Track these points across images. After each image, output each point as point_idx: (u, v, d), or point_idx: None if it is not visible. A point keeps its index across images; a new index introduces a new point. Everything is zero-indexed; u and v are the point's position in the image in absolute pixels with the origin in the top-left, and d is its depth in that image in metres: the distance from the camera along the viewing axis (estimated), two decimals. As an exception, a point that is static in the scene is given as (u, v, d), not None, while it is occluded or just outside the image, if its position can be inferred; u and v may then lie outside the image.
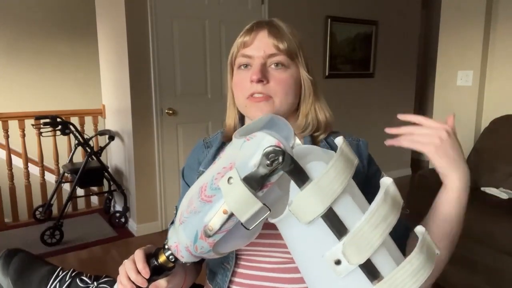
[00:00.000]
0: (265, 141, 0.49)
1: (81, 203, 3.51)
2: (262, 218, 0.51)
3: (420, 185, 2.53)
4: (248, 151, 0.50)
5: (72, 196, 2.98)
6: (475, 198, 2.36)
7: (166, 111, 2.93)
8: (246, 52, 0.78)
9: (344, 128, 0.87)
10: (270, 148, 0.48)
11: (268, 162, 0.48)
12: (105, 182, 3.21)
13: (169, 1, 2.84)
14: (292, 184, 0.49)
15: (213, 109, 3.11)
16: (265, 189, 0.50)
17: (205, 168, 0.83)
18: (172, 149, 3.02)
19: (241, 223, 0.51)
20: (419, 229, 0.51)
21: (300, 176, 0.48)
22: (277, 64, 0.76)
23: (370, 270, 0.46)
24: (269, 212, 0.51)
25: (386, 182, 0.50)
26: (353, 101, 4.01)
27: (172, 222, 0.91)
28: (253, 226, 0.51)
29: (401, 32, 4.27)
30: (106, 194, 3.41)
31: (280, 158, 0.47)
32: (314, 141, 0.82)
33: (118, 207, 3.33)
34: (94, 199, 3.68)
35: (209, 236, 0.53)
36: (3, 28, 3.99)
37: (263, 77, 0.75)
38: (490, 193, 2.42)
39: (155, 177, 2.99)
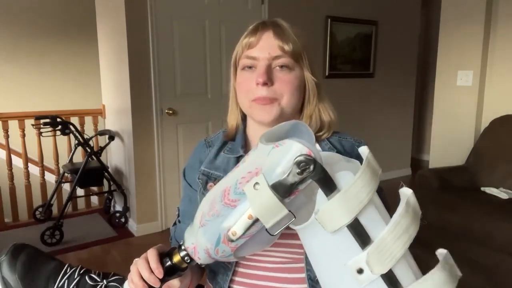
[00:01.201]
0: (296, 149, 0.49)
1: (81, 203, 3.51)
2: (286, 224, 0.51)
3: (420, 185, 2.53)
4: (277, 158, 0.50)
5: (72, 196, 2.98)
6: (475, 198, 2.36)
7: (166, 111, 2.93)
8: (250, 53, 0.77)
9: (344, 129, 0.86)
10: (302, 157, 0.48)
11: (299, 170, 0.48)
12: (105, 182, 3.21)
13: (169, 1, 2.84)
14: (320, 193, 0.50)
15: (213, 109, 3.11)
16: (292, 196, 0.51)
17: (207, 167, 0.83)
18: (172, 149, 3.02)
19: (266, 229, 0.52)
20: (440, 251, 0.52)
21: (329, 185, 0.49)
22: (281, 66, 0.76)
23: (391, 280, 0.47)
24: (294, 219, 0.51)
25: (406, 193, 0.51)
26: (353, 101, 4.01)
27: (174, 224, 0.91)
28: (277, 232, 0.52)
29: (401, 32, 4.27)
30: (106, 194, 3.41)
31: (311, 167, 0.48)
32: (316, 140, 0.82)
33: (118, 207, 3.33)
34: (94, 199, 3.68)
35: (232, 241, 0.53)
36: (3, 28, 3.99)
37: (268, 80, 0.74)
38: (490, 193, 2.42)
39: (155, 177, 2.99)
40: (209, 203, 0.56)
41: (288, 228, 0.56)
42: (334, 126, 0.84)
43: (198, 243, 0.57)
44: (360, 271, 0.47)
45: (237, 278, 0.79)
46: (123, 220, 3.14)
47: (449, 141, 3.02)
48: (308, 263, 0.75)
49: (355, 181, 0.47)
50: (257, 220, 0.51)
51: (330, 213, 0.48)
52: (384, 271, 0.47)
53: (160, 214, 3.05)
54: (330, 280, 0.54)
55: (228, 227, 0.53)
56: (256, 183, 0.50)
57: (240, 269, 0.79)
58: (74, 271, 0.71)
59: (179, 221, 0.89)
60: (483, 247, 2.05)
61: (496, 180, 2.48)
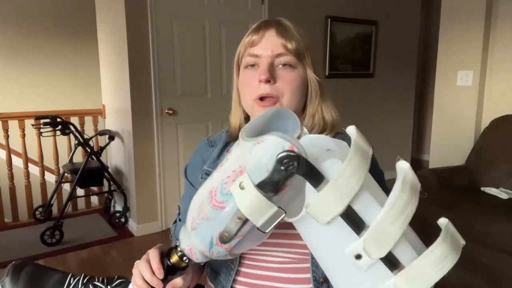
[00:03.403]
0: (278, 145, 0.47)
1: (81, 203, 3.51)
2: (277, 220, 0.50)
3: (420, 185, 2.53)
4: (259, 156, 0.49)
5: (72, 196, 2.98)
6: (475, 198, 2.36)
7: (166, 111, 2.93)
8: (253, 51, 0.77)
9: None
10: (284, 154, 0.46)
11: (283, 168, 0.46)
12: (105, 182, 3.21)
13: (169, 1, 2.84)
14: (308, 185, 0.48)
15: (213, 109, 3.11)
16: (280, 192, 0.50)
17: (210, 167, 0.83)
18: (172, 149, 3.02)
19: (257, 227, 0.51)
20: (441, 221, 0.49)
21: (316, 178, 0.47)
22: (284, 64, 0.76)
23: (390, 261, 0.46)
24: (284, 214, 0.50)
25: (403, 167, 0.48)
26: (353, 101, 4.01)
27: (175, 222, 0.91)
28: (269, 229, 0.51)
29: (401, 32, 4.27)
30: (106, 194, 3.41)
31: (295, 163, 0.46)
32: None
33: (118, 207, 3.33)
34: (94, 199, 3.68)
35: (225, 242, 0.53)
36: (3, 28, 3.98)
37: (271, 77, 0.74)
38: (490, 193, 2.42)
39: (155, 177, 2.99)
40: (198, 205, 0.56)
41: (291, 228, 0.55)
42: (336, 126, 0.83)
43: (193, 245, 0.57)
44: (358, 257, 0.46)
45: (240, 278, 0.79)
46: (123, 220, 3.14)
47: (449, 141, 3.02)
48: (313, 263, 0.75)
49: (343, 170, 0.45)
50: (247, 220, 0.50)
51: (321, 206, 0.46)
52: (383, 255, 0.45)
53: (160, 214, 3.05)
54: (331, 267, 0.54)
55: (219, 230, 0.52)
56: (242, 182, 0.49)
57: (243, 269, 0.79)
58: (78, 280, 0.70)
59: (180, 220, 0.89)
60: (483, 247, 2.05)
61: (496, 180, 2.48)
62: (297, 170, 0.46)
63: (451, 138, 3.01)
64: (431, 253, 0.45)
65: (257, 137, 0.51)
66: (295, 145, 0.47)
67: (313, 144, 0.51)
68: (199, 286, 0.87)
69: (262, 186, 0.48)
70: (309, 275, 0.75)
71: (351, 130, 0.50)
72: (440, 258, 0.45)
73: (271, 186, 0.48)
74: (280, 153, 0.47)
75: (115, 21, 2.94)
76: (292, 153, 0.46)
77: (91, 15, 3.49)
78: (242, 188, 0.49)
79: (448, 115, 3.03)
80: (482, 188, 2.49)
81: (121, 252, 2.74)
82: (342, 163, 0.46)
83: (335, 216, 0.46)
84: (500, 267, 2.00)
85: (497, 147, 2.56)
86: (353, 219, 0.46)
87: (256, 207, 0.49)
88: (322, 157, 0.51)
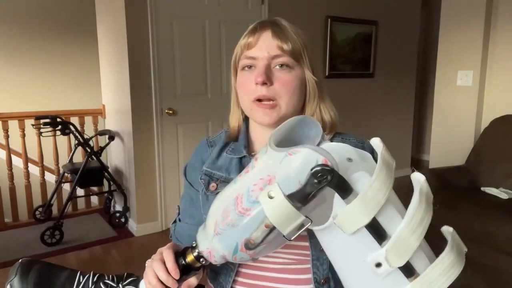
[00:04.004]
0: (312, 159, 0.48)
1: (81, 203, 3.51)
2: (303, 229, 0.51)
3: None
4: (291, 168, 0.50)
5: (72, 196, 2.98)
6: (475, 198, 2.36)
7: (166, 111, 2.93)
8: (249, 53, 0.77)
9: (343, 129, 0.86)
10: (319, 168, 0.47)
11: (316, 181, 0.48)
12: (105, 182, 3.21)
13: (169, 1, 2.84)
14: (336, 196, 0.50)
15: (213, 109, 3.11)
16: (308, 203, 0.50)
17: (209, 167, 0.83)
18: (172, 149, 3.02)
19: (283, 235, 0.52)
20: (445, 229, 0.52)
21: (345, 190, 0.49)
22: (281, 65, 0.75)
23: (407, 269, 0.48)
24: (310, 223, 0.51)
25: (419, 179, 0.50)
26: (353, 101, 4.01)
27: (174, 222, 0.91)
28: (294, 237, 0.52)
29: (401, 32, 4.27)
30: (106, 194, 3.41)
31: (329, 177, 0.47)
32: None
33: (118, 207, 3.33)
34: (94, 199, 3.68)
35: (250, 249, 0.54)
36: (3, 28, 3.98)
37: (267, 79, 0.74)
38: (490, 193, 2.42)
39: (155, 177, 2.99)
40: (222, 210, 0.56)
41: None
42: (335, 126, 0.83)
43: (214, 248, 0.58)
44: (378, 265, 0.48)
45: (240, 279, 0.79)
46: (123, 220, 3.13)
47: (449, 141, 3.02)
48: (314, 265, 0.75)
49: (372, 184, 0.47)
50: (274, 228, 0.51)
51: (348, 217, 0.48)
52: (402, 263, 0.47)
53: (160, 214, 3.05)
54: (348, 274, 0.55)
55: (245, 237, 0.53)
56: (271, 192, 0.50)
57: (243, 270, 0.78)
58: (88, 278, 0.70)
59: (179, 220, 0.89)
60: (483, 247, 2.05)
61: (496, 180, 2.48)
62: (329, 183, 0.48)
63: (451, 138, 3.01)
64: (441, 262, 0.48)
65: (288, 148, 0.52)
66: (328, 158, 0.48)
67: (334, 152, 0.52)
68: (199, 286, 0.87)
69: (292, 198, 0.49)
70: (309, 276, 0.75)
71: (377, 142, 0.52)
72: (449, 266, 0.48)
73: (301, 198, 0.49)
74: (315, 166, 0.48)
75: (115, 21, 2.94)
76: (326, 167, 0.48)
77: (91, 15, 3.49)
78: (270, 197, 0.50)
79: (448, 115, 3.03)
80: (482, 188, 2.49)
81: (121, 252, 2.74)
82: (369, 176, 0.48)
83: (360, 227, 0.48)
84: (500, 267, 2.00)
85: (497, 147, 2.57)
86: (377, 230, 0.48)
87: (284, 216, 0.50)
88: (351, 169, 0.52)
